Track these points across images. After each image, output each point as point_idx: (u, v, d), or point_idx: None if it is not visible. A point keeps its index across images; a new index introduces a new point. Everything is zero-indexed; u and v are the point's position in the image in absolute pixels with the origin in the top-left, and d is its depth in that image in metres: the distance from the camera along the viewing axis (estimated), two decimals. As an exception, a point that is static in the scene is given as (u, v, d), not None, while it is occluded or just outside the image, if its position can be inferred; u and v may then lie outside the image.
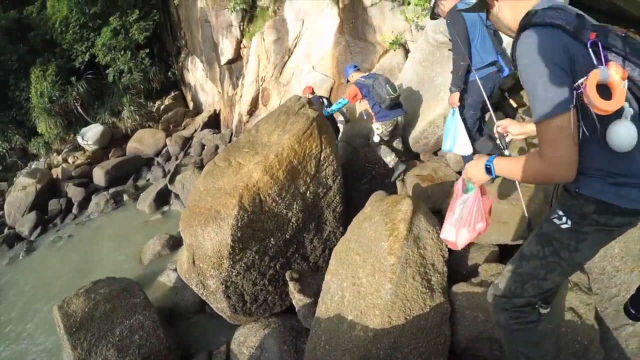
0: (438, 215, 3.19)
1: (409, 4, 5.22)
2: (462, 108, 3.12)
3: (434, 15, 3.04)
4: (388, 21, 5.85)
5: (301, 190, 3.39)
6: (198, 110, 13.38)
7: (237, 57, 9.75)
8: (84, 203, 9.67)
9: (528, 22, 1.20)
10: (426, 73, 4.63)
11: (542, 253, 1.43)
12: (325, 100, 5.52)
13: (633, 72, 1.12)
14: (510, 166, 1.36)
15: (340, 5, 6.62)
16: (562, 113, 1.13)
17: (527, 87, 1.20)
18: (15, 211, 9.55)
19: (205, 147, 10.37)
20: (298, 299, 3.20)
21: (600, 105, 1.09)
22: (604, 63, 1.10)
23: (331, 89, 6.72)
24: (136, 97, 13.70)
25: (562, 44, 1.14)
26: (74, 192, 9.99)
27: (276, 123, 3.55)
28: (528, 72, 1.18)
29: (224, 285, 3.21)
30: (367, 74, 4.38)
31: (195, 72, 13.02)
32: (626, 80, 1.10)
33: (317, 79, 6.84)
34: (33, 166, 13.13)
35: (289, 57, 7.64)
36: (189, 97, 14.21)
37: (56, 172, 11.25)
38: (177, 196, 7.86)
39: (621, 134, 1.13)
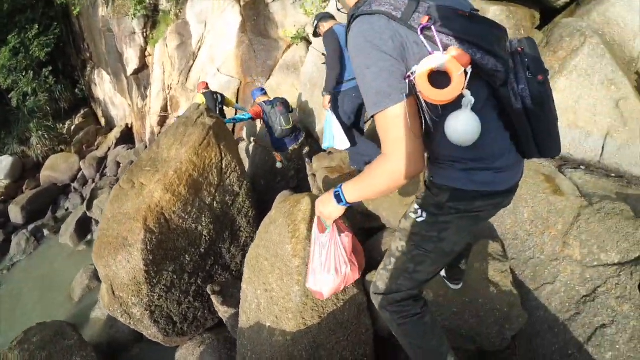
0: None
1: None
2: (337, 110, 3.37)
3: (316, 35, 3.40)
4: (290, 16, 5.85)
5: (207, 202, 3.31)
6: (111, 126, 12.61)
7: (143, 67, 9.28)
8: (5, 246, 8.76)
9: (355, 11, 1.07)
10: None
11: (405, 249, 1.36)
12: (219, 97, 5.54)
13: (475, 56, 0.98)
14: (359, 183, 1.20)
15: (242, 3, 6.50)
16: (395, 104, 1.02)
17: (357, 79, 1.09)
18: None
19: (121, 165, 9.83)
20: (223, 311, 3.15)
21: (430, 96, 0.96)
22: (440, 49, 0.97)
23: (238, 89, 6.61)
24: (44, 120, 12.66)
25: (391, 31, 1.01)
26: (-8, 235, 9.01)
27: (175, 136, 3.42)
28: (357, 64, 1.07)
29: (148, 311, 3.11)
30: (271, 99, 4.62)
31: (104, 86, 12.19)
32: (468, 67, 0.97)
33: (223, 81, 6.71)
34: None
35: (194, 61, 7.40)
36: (99, 114, 13.32)
37: (-33, 216, 10.04)
38: (97, 222, 7.40)
39: (458, 128, 1.01)
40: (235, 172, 3.53)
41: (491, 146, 1.13)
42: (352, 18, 1.08)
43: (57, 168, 11.11)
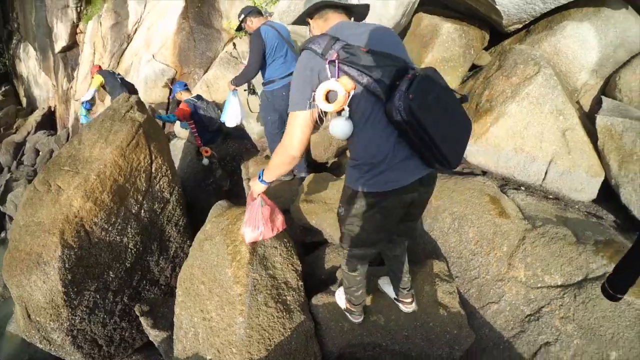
0: (288, 215, 3.12)
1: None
2: (267, 106, 3.52)
3: (239, 29, 3.43)
4: (237, 7, 5.48)
5: (134, 211, 2.96)
6: (32, 107, 11.41)
7: (73, 44, 8.39)
8: None
9: (303, 45, 1.50)
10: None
11: (343, 229, 1.78)
12: (119, 79, 5.19)
13: (362, 80, 1.38)
14: (269, 165, 1.73)
15: (187, -13, 5.98)
16: (299, 110, 1.49)
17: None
18: None
19: (40, 153, 8.89)
20: (154, 335, 2.84)
21: (322, 107, 1.41)
22: (335, 76, 1.39)
23: (173, 79, 6.11)
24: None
25: (311, 63, 1.45)
26: None
27: (99, 132, 2.99)
28: (292, 79, 1.55)
29: (70, 336, 2.75)
30: (194, 95, 4.73)
31: (28, 62, 10.93)
32: (352, 90, 1.40)
33: (157, 69, 6.15)
34: None
35: (128, 44, 6.74)
36: (21, 92, 11.99)
37: None
38: (12, 219, 6.54)
39: (333, 128, 1.46)
40: (165, 177, 3.18)
41: (379, 151, 1.46)
42: (301, 49, 1.52)
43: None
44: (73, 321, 2.74)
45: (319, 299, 2.41)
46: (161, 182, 3.16)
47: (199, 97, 4.58)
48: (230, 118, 3.63)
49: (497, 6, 3.62)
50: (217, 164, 4.59)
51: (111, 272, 2.88)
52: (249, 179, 3.71)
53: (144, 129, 3.04)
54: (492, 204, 2.81)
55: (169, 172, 3.22)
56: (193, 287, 2.37)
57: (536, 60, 3.23)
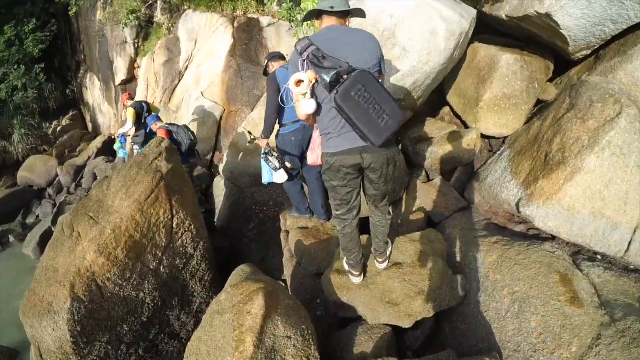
0: (318, 280, 2.79)
1: (302, 25, 4.80)
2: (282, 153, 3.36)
3: (265, 73, 3.41)
4: (284, 43, 5.38)
5: (152, 267, 2.78)
6: (97, 132, 12.00)
7: (132, 78, 8.78)
8: (-29, 245, 8.07)
9: (295, 43, 2.10)
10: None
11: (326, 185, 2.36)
12: (145, 106, 5.77)
13: (320, 75, 1.92)
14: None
15: (236, 25, 6.03)
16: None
17: None
18: None
19: (97, 178, 9.20)
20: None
21: (293, 90, 1.96)
22: (304, 70, 1.97)
23: (221, 117, 6.09)
24: (29, 118, 12.05)
25: (294, 57, 2.06)
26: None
27: (125, 179, 2.87)
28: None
29: None
30: (169, 122, 5.31)
31: (94, 91, 11.69)
32: (313, 81, 1.96)
33: (206, 106, 6.17)
34: None
35: (179, 81, 6.88)
36: (87, 118, 12.74)
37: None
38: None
39: (301, 106, 2.00)
40: (189, 232, 2.99)
41: (330, 124, 2.09)
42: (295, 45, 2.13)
43: (34, 170, 10.44)
44: (83, 369, 2.59)
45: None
46: (184, 238, 2.97)
47: (170, 124, 5.10)
48: (276, 177, 3.30)
49: (562, 31, 3.10)
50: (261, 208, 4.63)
51: (125, 326, 2.72)
52: (287, 232, 3.44)
53: (166, 181, 2.88)
54: (562, 285, 2.31)
55: (192, 227, 3.02)
56: (198, 364, 2.09)
57: (616, 98, 2.59)
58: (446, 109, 4.11)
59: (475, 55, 3.70)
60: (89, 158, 10.23)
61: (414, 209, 3.25)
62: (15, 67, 11.68)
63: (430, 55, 3.11)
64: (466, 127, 3.82)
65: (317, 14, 2.19)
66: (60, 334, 2.55)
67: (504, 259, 2.56)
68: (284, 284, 3.26)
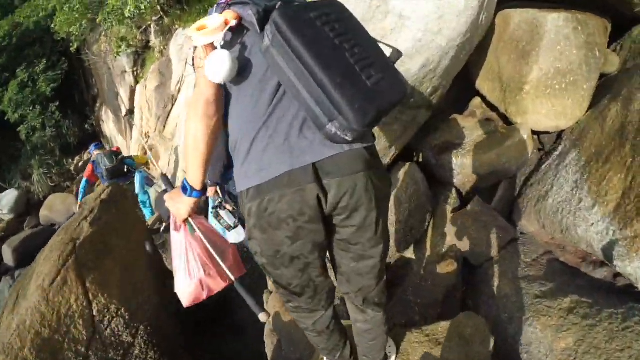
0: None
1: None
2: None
3: None
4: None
5: (75, 365, 2.03)
6: (117, 164, 11.86)
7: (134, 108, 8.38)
8: (-5, 288, 8.01)
9: None
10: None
11: None
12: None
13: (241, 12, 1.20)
14: (187, 161, 1.19)
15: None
16: None
17: None
18: None
19: (114, 211, 8.90)
20: None
21: (195, 41, 1.38)
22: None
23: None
24: (47, 157, 12.20)
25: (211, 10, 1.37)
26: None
27: (50, 250, 2.18)
28: None
29: None
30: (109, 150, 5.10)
31: (109, 124, 11.63)
32: (231, 22, 1.18)
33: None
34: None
35: (172, 105, 6.30)
36: (108, 150, 12.66)
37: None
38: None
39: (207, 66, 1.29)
40: (119, 318, 2.24)
41: (253, 116, 1.18)
42: None
43: (54, 208, 10.39)
44: None
45: None
46: (112, 326, 2.22)
47: (101, 152, 4.96)
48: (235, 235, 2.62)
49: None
50: None
51: None
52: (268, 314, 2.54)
53: (77, 256, 2.12)
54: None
55: (121, 311, 2.26)
56: None
57: None
58: (476, 101, 3.17)
59: (507, 24, 2.77)
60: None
61: (443, 251, 2.33)
62: (31, 107, 11.76)
63: (443, 20, 2.09)
64: (507, 122, 2.91)
65: None
66: None
67: (586, 349, 1.64)
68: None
